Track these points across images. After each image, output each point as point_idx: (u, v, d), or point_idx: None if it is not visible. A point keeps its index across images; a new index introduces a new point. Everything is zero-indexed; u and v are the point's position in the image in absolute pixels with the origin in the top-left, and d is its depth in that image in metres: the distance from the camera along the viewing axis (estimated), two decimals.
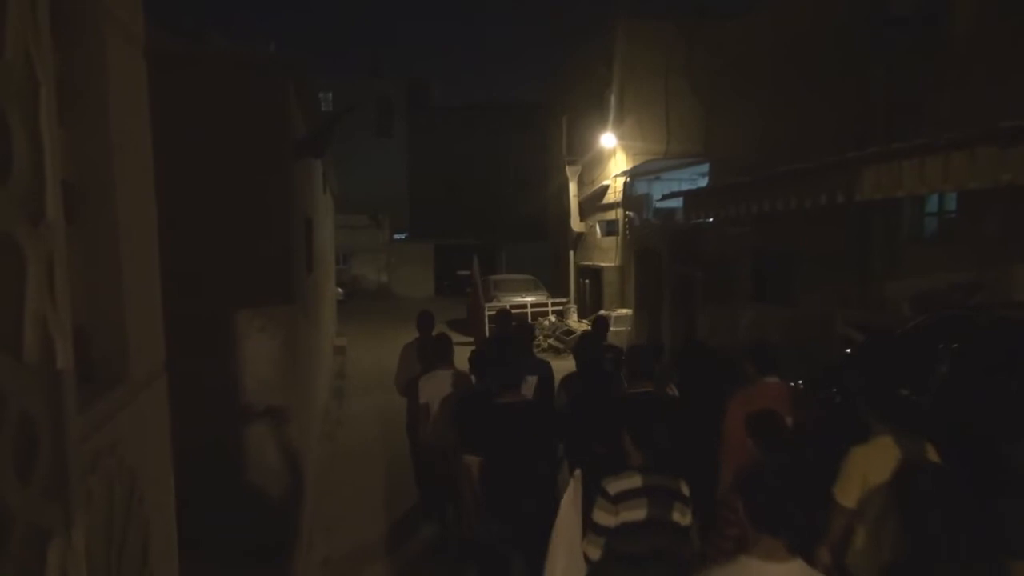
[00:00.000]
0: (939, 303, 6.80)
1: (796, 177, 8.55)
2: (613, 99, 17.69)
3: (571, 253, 20.60)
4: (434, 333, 6.46)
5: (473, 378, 5.67)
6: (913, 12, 8.79)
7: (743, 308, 11.44)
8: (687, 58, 16.69)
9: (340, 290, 23.40)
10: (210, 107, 4.95)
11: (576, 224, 20.07)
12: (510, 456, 4.31)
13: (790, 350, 7.96)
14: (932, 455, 3.45)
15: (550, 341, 15.89)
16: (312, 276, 7.88)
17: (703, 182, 15.63)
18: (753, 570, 2.30)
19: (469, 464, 4.49)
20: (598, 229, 19.48)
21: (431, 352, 5.97)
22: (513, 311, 15.66)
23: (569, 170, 19.86)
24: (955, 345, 5.13)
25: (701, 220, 12.56)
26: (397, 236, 35.60)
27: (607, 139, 17.72)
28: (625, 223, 17.27)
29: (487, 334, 13.60)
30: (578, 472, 3.68)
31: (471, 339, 14.60)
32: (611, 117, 17.75)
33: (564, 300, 19.34)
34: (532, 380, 5.62)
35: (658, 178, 17.38)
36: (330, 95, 33.78)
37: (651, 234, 15.29)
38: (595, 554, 3.36)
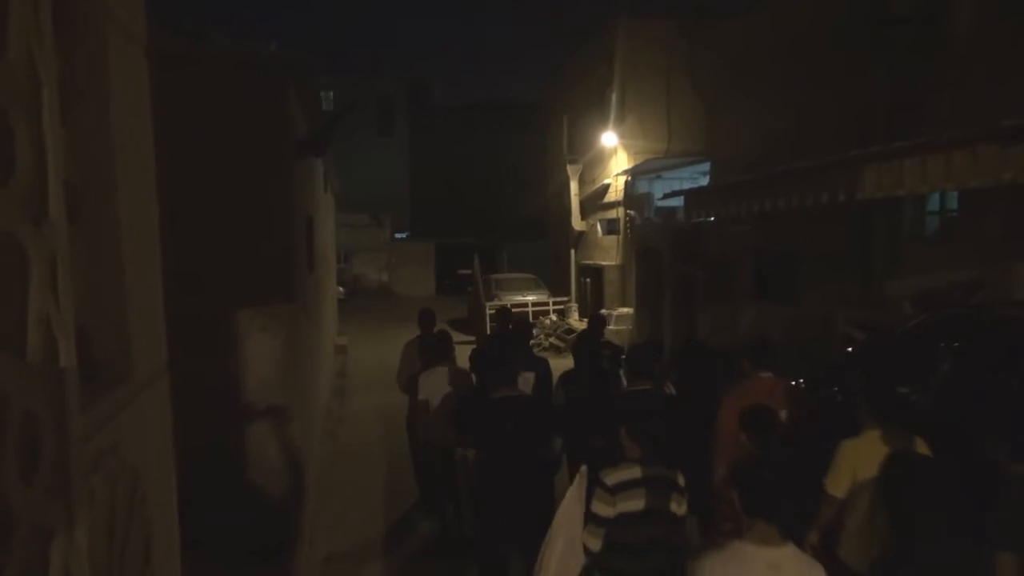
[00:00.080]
0: (940, 302, 6.80)
1: (797, 176, 8.55)
2: (614, 98, 17.68)
3: (572, 252, 20.60)
4: (435, 331, 6.55)
5: (474, 376, 5.71)
6: (913, 12, 8.78)
7: (744, 307, 11.43)
8: (688, 57, 16.68)
9: (341, 289, 23.41)
10: (211, 107, 4.95)
11: (577, 223, 20.06)
12: (504, 449, 4.34)
13: (791, 349, 7.96)
14: (921, 450, 3.50)
15: (551, 340, 15.90)
16: (313, 275, 7.89)
17: (704, 181, 15.63)
18: (748, 554, 2.39)
19: (464, 457, 4.53)
20: (599, 228, 19.48)
21: (432, 349, 6.05)
22: (514, 310, 15.69)
23: (570, 169, 19.85)
24: (956, 344, 5.13)
25: (702, 219, 12.56)
26: (398, 235, 35.60)
27: (608, 138, 17.71)
28: (626, 222, 17.26)
29: (488, 332, 13.62)
30: (584, 468, 3.69)
31: (472, 338, 14.62)
32: (612, 116, 17.74)
33: (565, 299, 19.34)
34: (530, 377, 5.67)
35: (659, 177, 17.37)
36: (331, 94, 33.76)
37: (652, 233, 15.29)
38: (595, 545, 3.40)
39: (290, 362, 5.44)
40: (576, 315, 18.50)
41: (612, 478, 3.39)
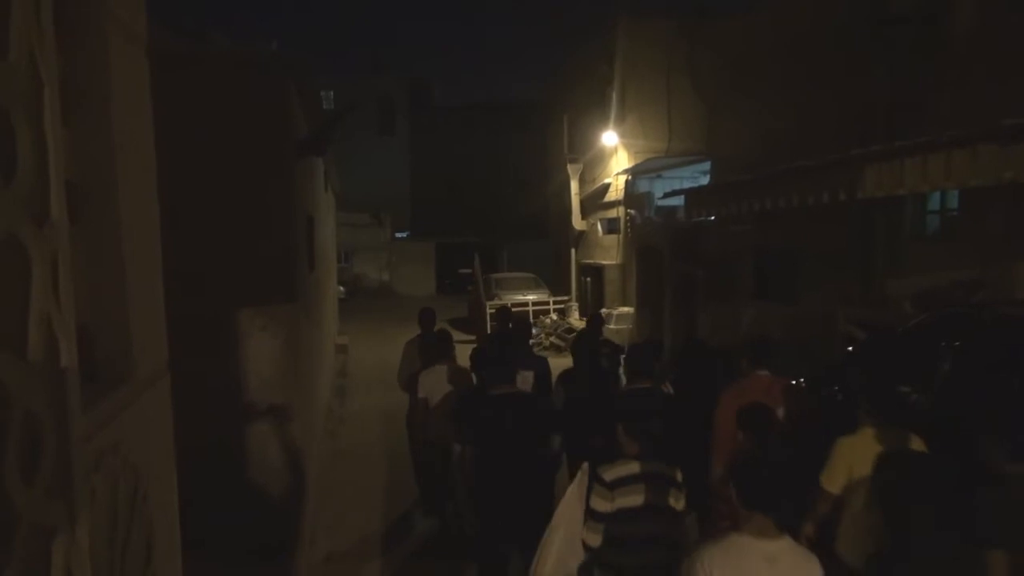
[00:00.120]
0: (941, 301, 6.80)
1: (798, 175, 8.55)
2: (614, 97, 17.67)
3: (572, 251, 20.60)
4: (435, 330, 6.59)
5: (474, 376, 5.72)
6: (913, 11, 8.78)
7: (745, 306, 11.44)
8: (688, 56, 16.67)
9: (342, 288, 23.42)
10: (212, 106, 4.95)
11: (578, 222, 20.06)
12: (502, 446, 4.35)
13: (792, 348, 7.96)
14: (917, 448, 3.53)
15: (552, 339, 15.90)
16: (314, 274, 7.89)
17: (705, 180, 15.63)
18: (745, 546, 2.44)
19: (462, 454, 4.54)
20: (599, 227, 19.47)
21: (432, 348, 6.12)
22: (515, 309, 15.70)
23: (570, 168, 19.84)
24: (957, 343, 5.13)
25: (703, 218, 12.56)
26: (399, 234, 35.60)
27: (608, 137, 17.70)
28: (627, 221, 17.26)
29: (489, 331, 13.63)
30: (585, 465, 3.71)
31: (473, 337, 14.62)
32: (612, 115, 17.74)
33: (566, 298, 19.33)
34: (528, 375, 5.70)
35: (659, 176, 17.37)
36: (332, 94, 33.75)
37: (653, 232, 15.29)
38: (595, 540, 3.42)
39: (291, 361, 5.44)
40: (576, 314, 18.50)
41: (610, 474, 3.42)
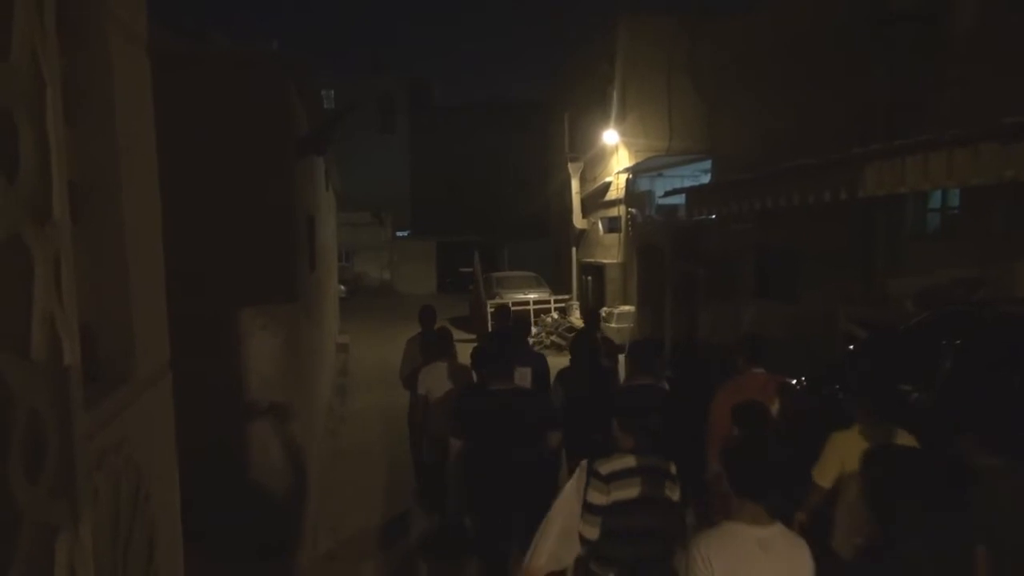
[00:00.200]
0: (942, 299, 6.80)
1: (799, 174, 8.55)
2: (615, 96, 17.66)
3: (573, 250, 20.58)
4: (436, 328, 6.63)
5: (474, 374, 5.76)
6: (914, 11, 8.78)
7: (746, 305, 11.44)
8: (689, 55, 16.66)
9: (343, 287, 23.44)
10: (212, 106, 4.95)
11: (578, 221, 20.05)
12: (498, 441, 4.36)
13: (793, 347, 7.97)
14: (907, 444, 3.61)
15: (552, 338, 15.90)
16: (315, 274, 7.89)
17: (705, 179, 15.63)
18: (739, 533, 2.52)
19: (455, 448, 4.56)
20: (600, 226, 19.47)
21: (432, 346, 6.19)
22: (515, 308, 15.71)
23: (571, 167, 19.82)
24: (958, 341, 5.13)
25: (703, 217, 12.56)
26: (399, 233, 35.61)
27: (609, 136, 17.70)
28: (627, 220, 17.25)
29: (490, 330, 13.64)
30: (584, 462, 3.74)
31: (473, 336, 14.62)
32: (613, 114, 17.72)
33: (566, 297, 19.33)
34: (526, 372, 5.73)
35: (660, 175, 17.36)
36: (332, 93, 33.76)
37: (653, 231, 15.29)
38: (593, 533, 3.45)
39: (291, 361, 5.45)
40: (577, 313, 18.50)
41: (606, 468, 3.46)
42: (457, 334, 7.82)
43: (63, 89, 1.45)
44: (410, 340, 6.85)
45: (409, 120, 38.24)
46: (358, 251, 31.71)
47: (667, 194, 14.93)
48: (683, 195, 13.06)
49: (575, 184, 19.84)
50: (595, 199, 19.35)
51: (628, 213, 17.19)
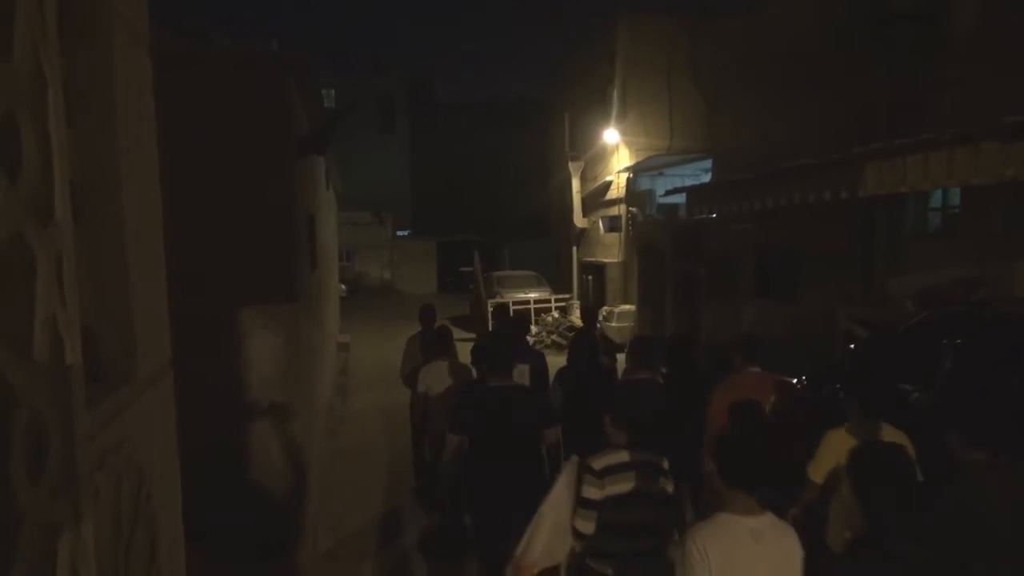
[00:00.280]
0: (942, 299, 6.80)
1: (799, 173, 8.55)
2: (616, 95, 17.66)
3: (574, 249, 20.58)
4: (436, 327, 6.67)
5: (474, 371, 5.80)
6: (914, 11, 8.77)
7: (746, 304, 11.44)
8: (690, 54, 16.65)
9: (343, 287, 23.44)
10: (213, 106, 4.95)
11: (579, 220, 20.04)
12: (496, 438, 4.37)
13: (794, 346, 7.97)
14: (899, 441, 3.65)
15: (553, 337, 15.89)
16: (315, 273, 7.89)
17: (706, 178, 15.62)
18: (732, 524, 2.60)
19: (452, 444, 4.58)
20: (601, 225, 19.46)
21: (432, 345, 6.24)
22: (516, 307, 15.71)
23: (572, 166, 19.81)
24: (958, 341, 5.14)
25: (704, 216, 12.56)
26: (400, 233, 35.60)
27: (610, 135, 17.69)
28: (628, 219, 17.25)
29: (490, 329, 13.65)
30: (575, 457, 3.76)
31: (474, 335, 14.63)
32: (614, 113, 17.72)
33: (567, 296, 19.33)
34: (525, 369, 5.77)
35: (661, 174, 17.36)
36: (332, 93, 33.75)
37: (654, 230, 15.29)
38: (588, 528, 3.49)
39: (292, 360, 5.45)
40: (578, 312, 18.48)
41: (599, 463, 3.50)
42: (457, 333, 7.83)
43: (65, 88, 1.45)
44: (410, 339, 6.89)
45: (409, 119, 38.22)
46: (359, 250, 31.70)
47: (668, 193, 14.93)
48: (684, 194, 13.07)
49: (575, 183, 19.83)
50: (596, 198, 19.35)
51: (629, 212, 17.18)
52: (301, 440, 5.60)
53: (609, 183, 18.33)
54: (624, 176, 17.53)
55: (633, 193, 17.22)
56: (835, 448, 3.82)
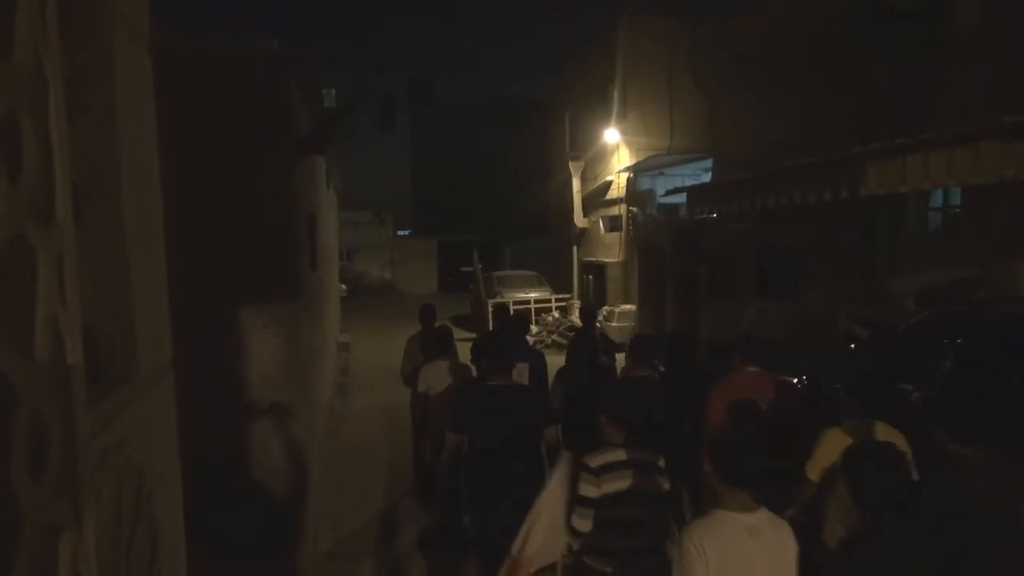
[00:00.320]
0: (943, 298, 6.80)
1: (800, 172, 8.55)
2: (616, 94, 17.65)
3: (574, 249, 20.58)
4: (436, 327, 6.69)
5: (473, 369, 5.81)
6: (914, 10, 8.77)
7: (746, 304, 11.44)
8: (690, 54, 16.65)
9: (344, 286, 23.44)
10: (213, 105, 4.95)
11: (579, 220, 20.04)
12: (495, 436, 4.38)
13: (794, 346, 7.97)
14: (894, 440, 3.70)
15: (553, 337, 15.89)
16: (316, 273, 7.89)
17: (707, 178, 15.63)
18: (728, 520, 2.65)
19: (453, 441, 4.59)
20: (601, 225, 19.46)
21: (432, 344, 6.26)
22: (517, 307, 15.72)
23: (572, 166, 19.81)
24: (959, 340, 5.14)
25: (704, 216, 12.56)
26: (400, 232, 35.61)
27: (610, 134, 17.69)
28: (628, 219, 17.25)
29: (491, 328, 13.66)
30: (567, 453, 3.77)
31: (475, 335, 14.64)
32: (614, 112, 17.71)
33: (567, 296, 19.33)
34: (524, 368, 5.78)
35: (662, 174, 17.36)
36: (333, 92, 33.74)
37: (654, 230, 15.29)
38: (586, 526, 3.51)
39: (292, 360, 5.45)
40: (578, 312, 18.49)
41: (595, 461, 3.53)
42: (458, 333, 7.83)
43: (65, 88, 1.45)
44: (410, 339, 6.91)
45: (410, 118, 38.22)
46: (359, 250, 31.71)
47: (668, 193, 14.93)
48: (684, 194, 13.07)
49: (576, 183, 19.83)
50: (596, 198, 19.35)
51: (629, 212, 17.18)
52: (302, 440, 5.60)
53: (609, 183, 18.33)
54: (624, 176, 17.53)
55: (633, 193, 17.22)
56: (831, 447, 3.87)
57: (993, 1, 7.89)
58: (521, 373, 5.66)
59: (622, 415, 3.67)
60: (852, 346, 7.13)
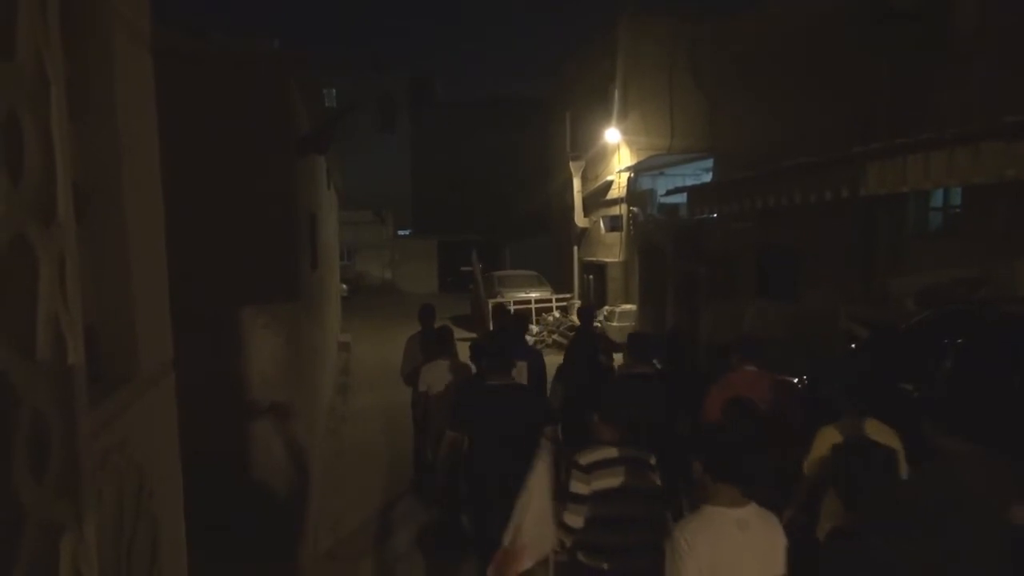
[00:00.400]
0: (943, 298, 6.80)
1: (800, 172, 8.55)
2: (617, 94, 17.65)
3: (575, 249, 20.58)
4: (437, 327, 6.71)
5: (473, 367, 5.83)
6: (914, 10, 8.77)
7: (746, 304, 11.44)
8: (691, 53, 16.65)
9: (344, 286, 23.43)
10: (214, 105, 4.95)
11: (580, 220, 20.04)
12: (495, 436, 4.39)
13: (794, 346, 7.97)
14: (887, 436, 3.78)
15: (554, 337, 15.90)
16: (316, 272, 7.90)
17: (707, 177, 15.62)
18: (717, 515, 2.69)
19: (452, 440, 4.60)
20: (602, 225, 19.46)
21: (432, 344, 6.28)
22: (517, 307, 15.71)
23: (573, 165, 19.80)
24: (959, 340, 5.14)
25: (705, 215, 12.56)
26: (401, 232, 35.60)
27: (611, 134, 17.68)
28: (629, 219, 17.25)
29: (491, 327, 13.67)
30: (546, 443, 3.79)
31: (475, 335, 14.65)
32: (615, 112, 17.71)
33: (568, 296, 19.33)
34: (522, 366, 5.82)
35: (662, 173, 17.35)
36: (333, 92, 33.72)
37: (655, 230, 15.29)
38: (576, 522, 3.54)
39: (293, 359, 5.46)
40: (576, 312, 18.49)
41: (586, 459, 3.55)
42: (458, 332, 7.83)
43: (66, 88, 1.45)
44: (410, 338, 6.94)
45: (410, 117, 38.21)
46: (360, 250, 31.70)
47: (669, 193, 14.92)
48: (685, 194, 13.06)
49: (577, 183, 19.83)
50: (597, 198, 19.35)
51: (630, 212, 17.18)
52: (302, 440, 5.60)
53: (610, 183, 18.33)
54: (625, 176, 17.53)
55: (634, 193, 17.22)
56: (824, 444, 3.94)
57: (993, 1, 7.89)
58: (520, 372, 5.68)
59: (613, 414, 3.70)
60: (852, 346, 7.12)
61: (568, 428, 5.19)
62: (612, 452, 3.58)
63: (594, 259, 19.35)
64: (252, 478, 5.21)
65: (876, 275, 9.25)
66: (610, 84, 18.01)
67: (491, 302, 16.15)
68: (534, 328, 16.36)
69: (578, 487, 3.53)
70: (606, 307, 16.34)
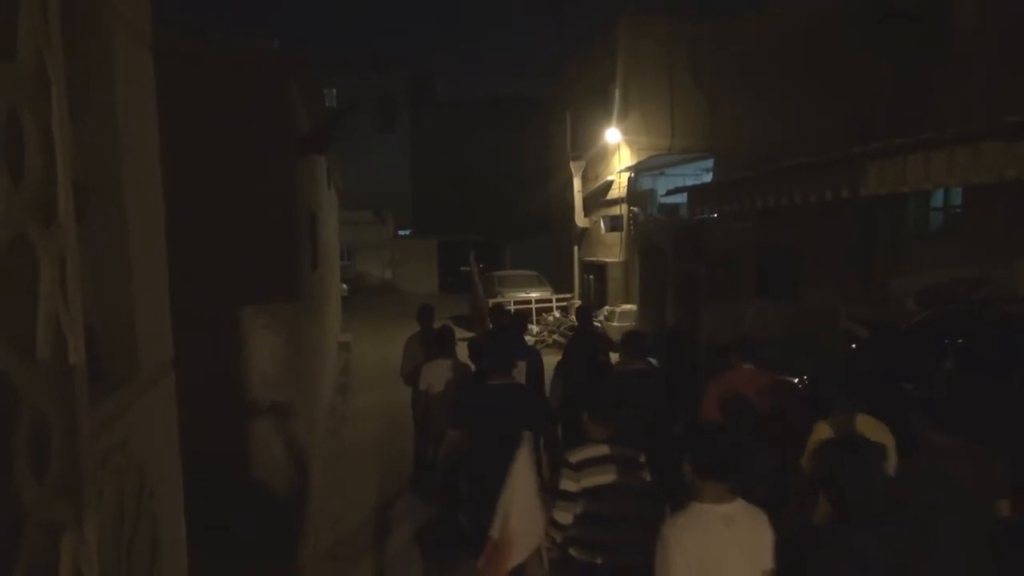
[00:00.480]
0: (943, 298, 6.80)
1: (800, 172, 8.55)
2: (617, 94, 17.65)
3: (575, 249, 20.59)
4: (438, 326, 6.73)
5: (472, 366, 5.90)
6: (914, 10, 8.77)
7: (747, 304, 11.43)
8: (691, 53, 16.65)
9: (344, 286, 23.43)
10: (214, 105, 4.95)
11: (580, 220, 20.04)
12: (492, 433, 4.40)
13: (794, 345, 7.97)
14: (873, 432, 3.78)
15: (554, 337, 15.90)
16: (317, 272, 7.90)
17: (707, 178, 15.62)
18: (704, 512, 2.73)
19: (451, 439, 4.61)
20: (602, 225, 19.47)
21: (432, 344, 6.29)
22: (517, 307, 15.70)
23: (573, 165, 19.81)
24: (959, 340, 5.14)
25: (705, 215, 12.56)
26: (401, 232, 35.60)
27: (611, 134, 17.69)
28: (629, 219, 17.25)
29: (490, 327, 13.67)
30: (528, 434, 3.79)
31: (474, 335, 14.64)
32: (615, 112, 17.71)
33: (568, 296, 19.34)
34: (521, 366, 5.86)
35: (662, 173, 17.36)
36: (333, 92, 33.72)
37: (655, 230, 15.29)
38: (566, 519, 3.58)
39: (293, 359, 5.46)
40: (575, 312, 18.49)
41: (576, 457, 3.60)
42: (459, 332, 7.84)
43: (67, 88, 1.45)
44: (410, 338, 6.96)
45: (411, 117, 38.20)
46: (360, 250, 31.70)
47: (669, 193, 14.93)
48: (685, 194, 13.07)
49: (577, 183, 19.83)
50: (597, 198, 19.35)
51: (630, 212, 17.19)
52: (302, 439, 5.60)
53: (610, 183, 18.33)
54: (625, 176, 17.53)
55: (634, 193, 17.22)
56: (817, 439, 3.98)
57: (993, 1, 7.89)
58: (520, 371, 5.70)
59: (610, 412, 3.73)
60: (852, 346, 7.12)
61: (567, 427, 5.21)
62: (603, 450, 3.61)
63: (594, 259, 19.35)
64: (252, 478, 5.21)
65: (876, 275, 9.25)
66: (610, 84, 18.01)
67: (491, 302, 16.17)
68: (534, 328, 16.36)
69: (567, 484, 3.57)
70: (606, 307, 16.34)
